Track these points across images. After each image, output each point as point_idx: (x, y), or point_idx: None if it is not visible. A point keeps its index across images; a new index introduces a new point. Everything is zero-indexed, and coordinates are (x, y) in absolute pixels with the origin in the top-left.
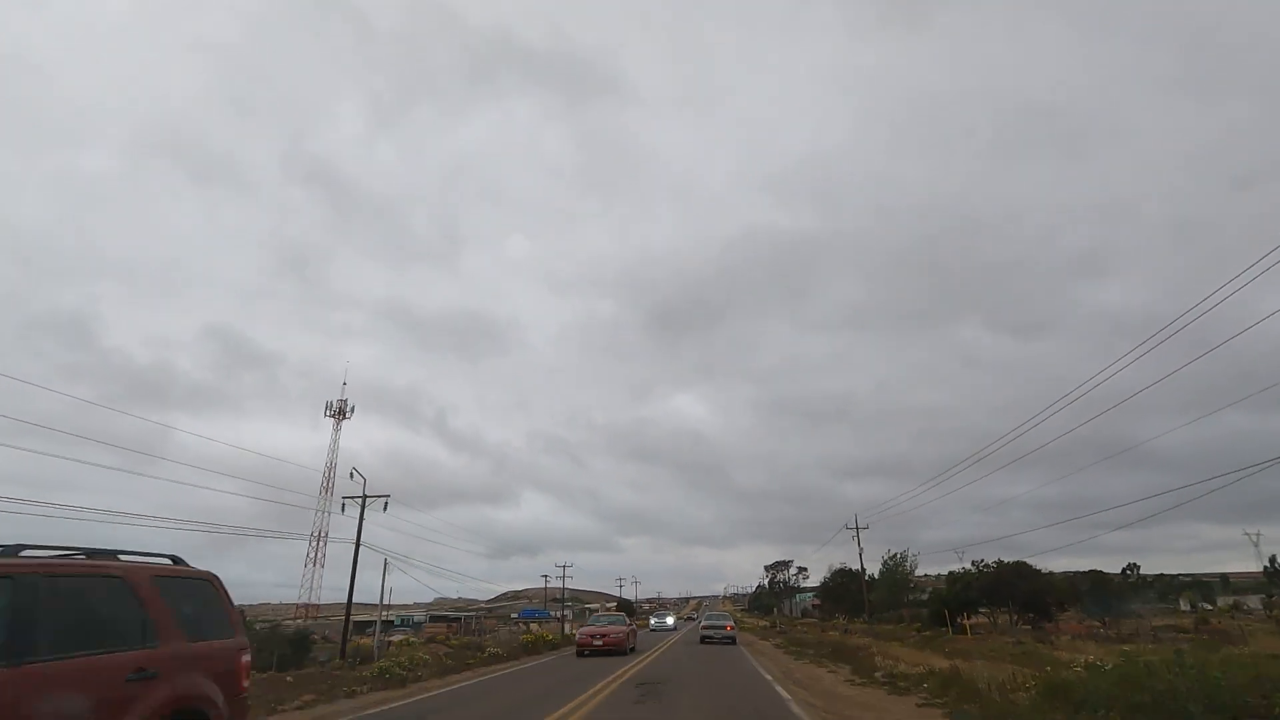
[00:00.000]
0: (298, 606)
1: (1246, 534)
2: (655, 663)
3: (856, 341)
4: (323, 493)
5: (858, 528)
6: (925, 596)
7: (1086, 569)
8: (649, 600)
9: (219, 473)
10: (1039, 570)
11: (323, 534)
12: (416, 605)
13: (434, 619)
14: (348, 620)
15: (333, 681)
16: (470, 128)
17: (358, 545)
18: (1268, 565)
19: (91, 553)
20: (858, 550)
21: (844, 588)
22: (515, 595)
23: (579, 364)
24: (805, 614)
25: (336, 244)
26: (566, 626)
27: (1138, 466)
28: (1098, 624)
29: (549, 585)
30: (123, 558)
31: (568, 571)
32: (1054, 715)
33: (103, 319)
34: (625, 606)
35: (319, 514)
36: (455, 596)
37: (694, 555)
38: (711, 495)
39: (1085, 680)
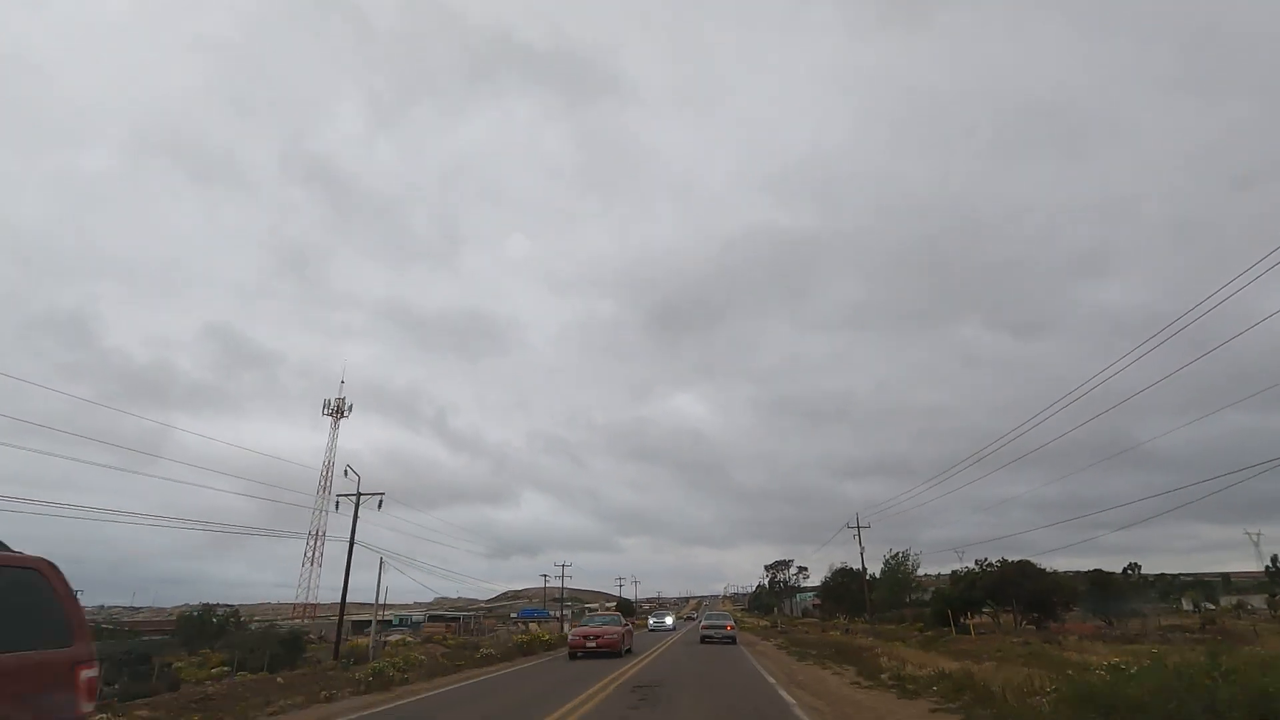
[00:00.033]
0: (295, 606)
1: (1247, 534)
2: (653, 664)
3: (856, 341)
4: (320, 492)
5: (859, 526)
6: (928, 596)
7: (1086, 569)
8: (649, 600)
9: (218, 472)
10: (1043, 569)
11: (320, 533)
12: (417, 605)
13: (432, 619)
14: (341, 620)
15: (324, 683)
16: (470, 127)
17: (351, 543)
18: (1269, 565)
19: None
20: (859, 549)
21: (845, 587)
22: (515, 595)
23: (579, 364)
24: (806, 614)
25: (336, 243)
26: (565, 626)
27: (1138, 466)
28: (1103, 624)
29: (548, 585)
30: None
31: (567, 571)
32: None
33: (102, 318)
34: (625, 606)
35: (316, 513)
36: (455, 596)
37: (694, 555)
38: (711, 495)
39: (1112, 685)
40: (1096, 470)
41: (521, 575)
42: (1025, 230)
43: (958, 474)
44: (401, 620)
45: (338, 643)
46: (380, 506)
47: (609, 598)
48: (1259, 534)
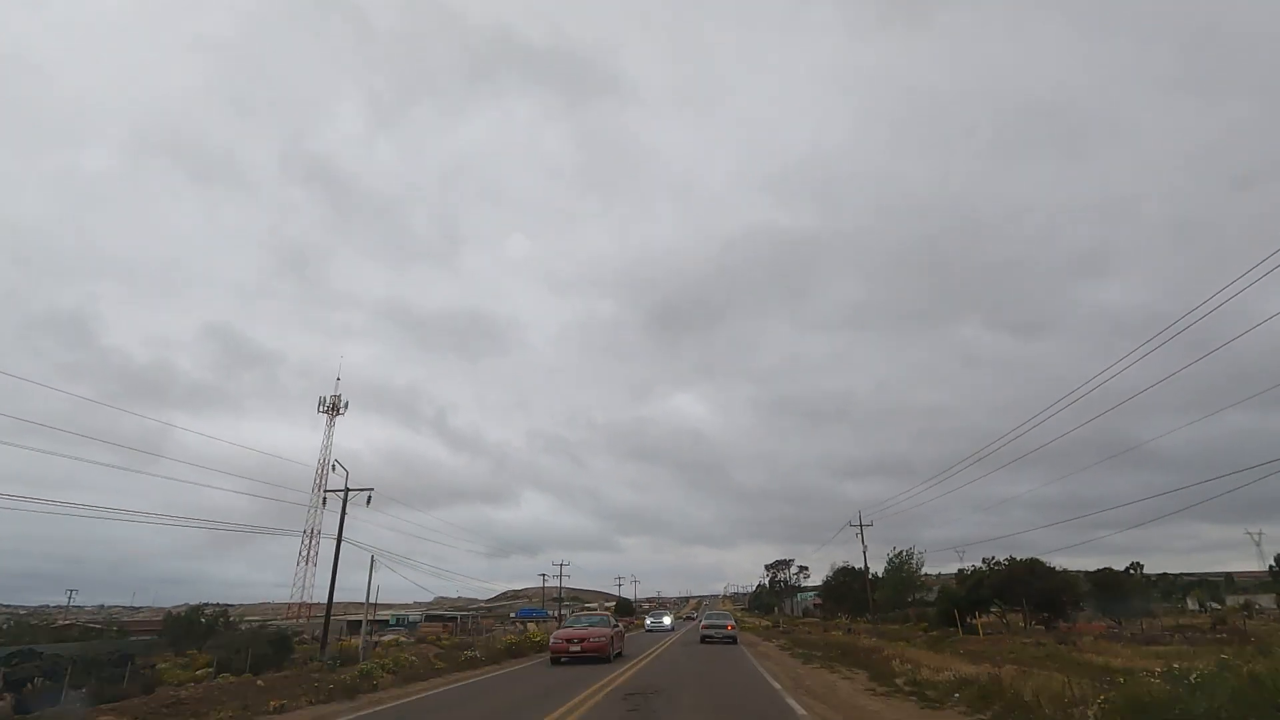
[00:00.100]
0: (290, 606)
1: (1249, 533)
2: (648, 669)
3: (856, 341)
4: (315, 490)
5: (861, 525)
6: (932, 596)
7: (1087, 569)
8: (649, 600)
9: (217, 470)
10: (1052, 568)
11: (315, 531)
12: (416, 605)
13: (430, 618)
14: (328, 620)
15: (306, 685)
16: (470, 127)
17: (339, 540)
18: (1273, 565)
19: None
20: (861, 548)
21: (847, 586)
22: (515, 595)
23: (579, 364)
24: (806, 613)
25: (336, 243)
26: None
27: (1139, 466)
28: (1112, 624)
29: (546, 585)
30: None
31: (565, 570)
32: None
33: (102, 318)
34: (624, 606)
35: (311, 511)
36: (455, 596)
37: (694, 555)
38: (711, 495)
39: (1170, 695)
40: (1097, 470)
41: (521, 575)
42: (1025, 230)
43: (958, 474)
44: (399, 620)
45: (324, 643)
46: (369, 502)
47: (609, 597)
48: (1260, 534)
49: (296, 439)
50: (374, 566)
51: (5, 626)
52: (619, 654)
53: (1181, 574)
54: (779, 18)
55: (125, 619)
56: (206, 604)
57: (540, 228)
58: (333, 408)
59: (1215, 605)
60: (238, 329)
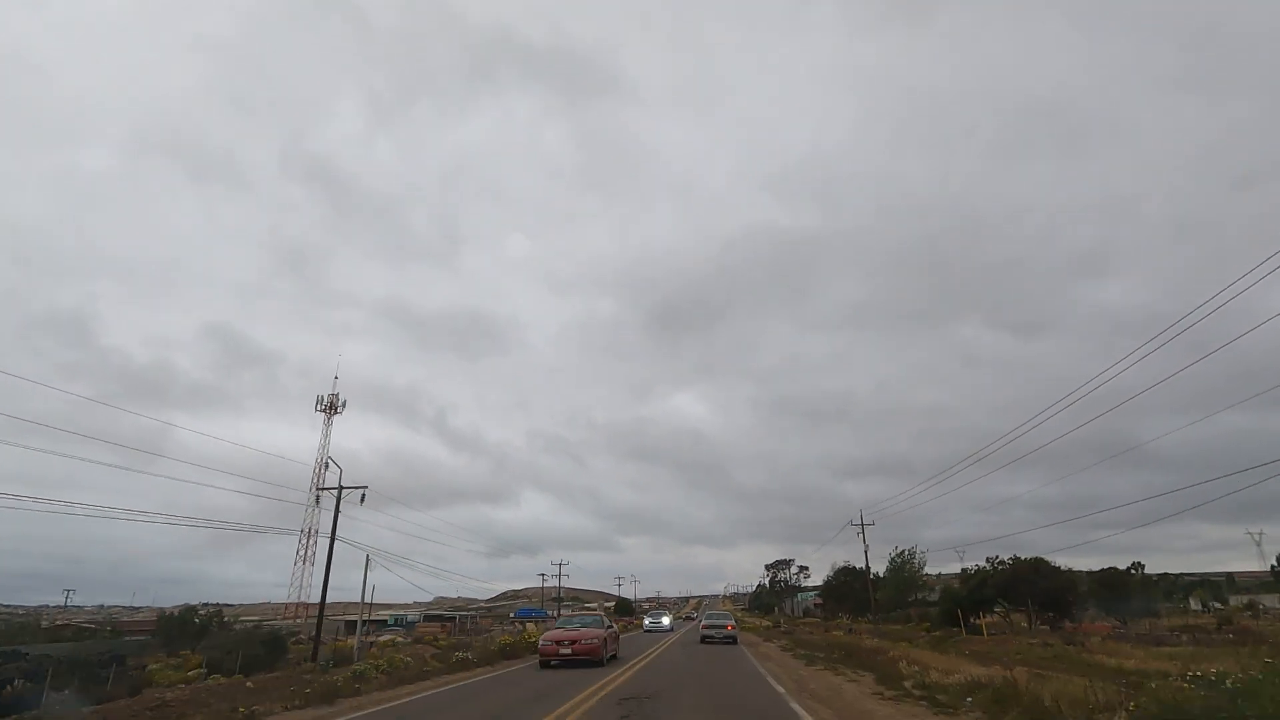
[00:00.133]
0: (287, 605)
1: (1249, 533)
2: (646, 670)
3: (857, 341)
4: (312, 489)
5: (863, 524)
6: (935, 596)
7: (1087, 569)
8: (649, 600)
9: (217, 470)
10: (1057, 567)
11: (312, 530)
12: (416, 604)
13: (428, 618)
14: (320, 620)
15: (298, 686)
16: (470, 126)
17: (333, 539)
18: (1275, 565)
19: None
20: (863, 548)
21: (848, 586)
22: (515, 595)
23: (579, 364)
24: (807, 613)
25: (336, 243)
26: None
27: (1139, 466)
28: (1117, 624)
29: (545, 584)
30: None
31: (565, 570)
32: None
33: (102, 318)
34: (624, 606)
35: (308, 510)
36: (455, 596)
37: (694, 555)
38: (711, 495)
39: (1208, 702)
40: (1097, 470)
41: (521, 575)
42: (1025, 230)
43: (958, 474)
44: (397, 620)
45: (316, 644)
46: (363, 500)
47: (609, 597)
48: (1261, 534)
49: (296, 439)
50: (370, 566)
51: None
52: (613, 656)
53: (1182, 574)
54: (779, 17)
55: (125, 619)
56: (201, 604)
57: (540, 227)
58: (330, 406)
59: (1218, 605)
60: (237, 329)
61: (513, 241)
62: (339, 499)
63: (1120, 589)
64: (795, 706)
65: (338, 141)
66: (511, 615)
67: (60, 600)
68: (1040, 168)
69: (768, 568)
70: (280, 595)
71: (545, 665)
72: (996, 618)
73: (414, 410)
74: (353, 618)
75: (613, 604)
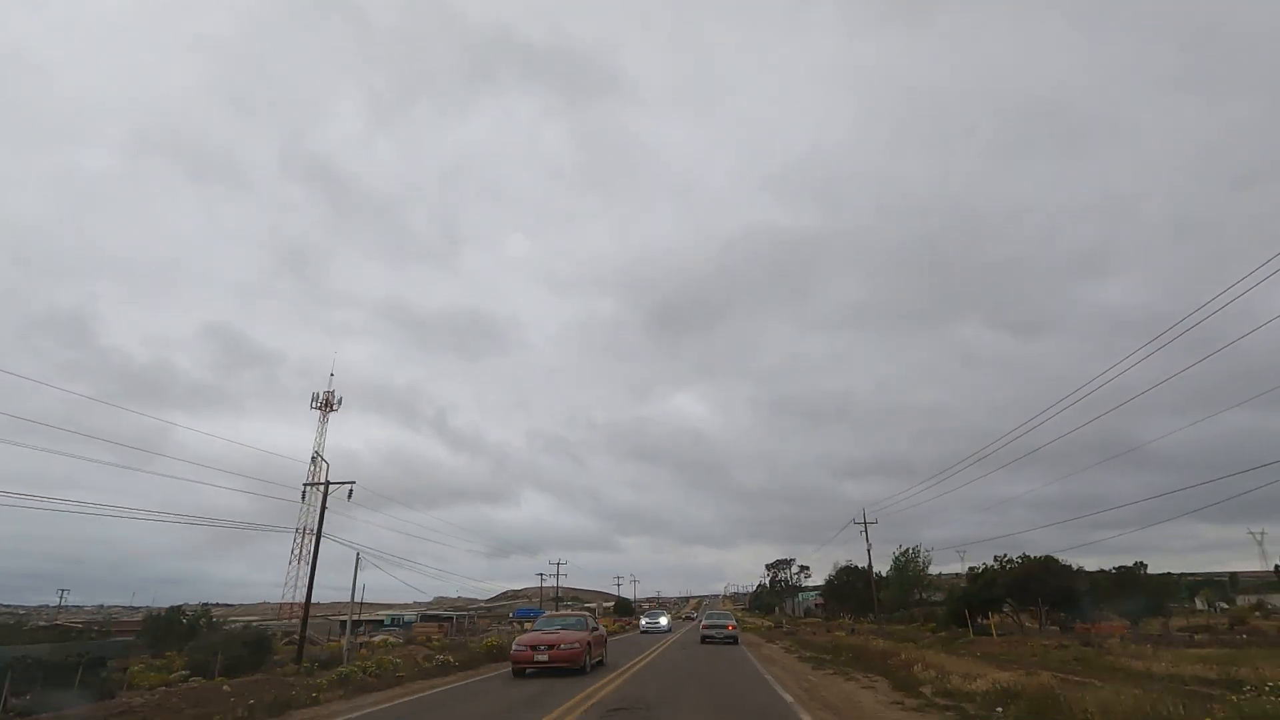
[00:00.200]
0: (283, 605)
1: (1252, 533)
2: (639, 676)
3: (857, 341)
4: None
5: (865, 523)
6: (940, 596)
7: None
8: (649, 599)
9: (216, 469)
10: (1068, 566)
11: (307, 529)
12: (415, 605)
13: (426, 618)
14: (305, 620)
15: (280, 690)
16: (470, 126)
17: (319, 535)
18: (1279, 565)
19: None
20: (866, 547)
21: (850, 586)
22: (514, 595)
23: (579, 364)
24: (808, 613)
25: (336, 243)
26: None
27: (1140, 467)
28: (1129, 624)
29: (545, 584)
30: None
31: (564, 570)
32: None
33: (102, 317)
34: (624, 606)
35: (303, 508)
36: (455, 595)
37: (694, 555)
38: (711, 495)
39: None
40: (1098, 470)
41: (521, 575)
42: (1025, 230)
43: (958, 474)
44: (394, 620)
45: (300, 645)
46: (350, 496)
47: (608, 597)
48: (1263, 533)
49: (296, 438)
50: (362, 565)
51: None
52: (599, 662)
53: (1184, 574)
54: (779, 17)
55: (125, 619)
56: (188, 603)
57: (540, 227)
58: (325, 403)
59: (1224, 605)
60: (237, 329)
61: (513, 241)
62: (325, 495)
63: (1133, 588)
64: (807, 719)
65: (338, 141)
66: (510, 615)
67: (59, 600)
68: (1040, 168)
69: (768, 568)
70: (279, 595)
71: (519, 674)
72: (1004, 618)
73: (414, 410)
74: (345, 617)
75: (612, 604)
